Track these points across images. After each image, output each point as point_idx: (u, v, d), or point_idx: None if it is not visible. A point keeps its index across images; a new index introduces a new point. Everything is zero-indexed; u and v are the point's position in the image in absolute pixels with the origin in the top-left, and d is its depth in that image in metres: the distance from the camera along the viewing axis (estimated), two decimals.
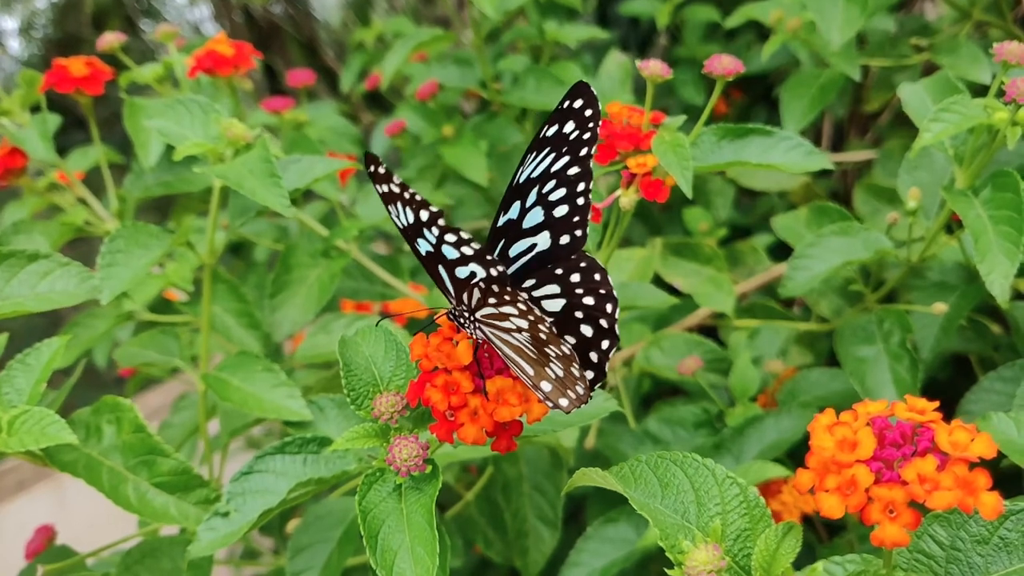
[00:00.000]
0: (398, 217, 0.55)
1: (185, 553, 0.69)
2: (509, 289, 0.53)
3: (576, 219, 0.59)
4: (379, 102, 2.18)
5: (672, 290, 1.21)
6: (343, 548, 0.77)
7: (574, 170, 0.59)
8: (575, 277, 0.59)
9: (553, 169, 0.59)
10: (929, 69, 1.31)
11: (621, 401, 1.12)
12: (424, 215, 0.53)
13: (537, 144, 0.59)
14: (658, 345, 1.11)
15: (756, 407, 1.00)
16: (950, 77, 0.86)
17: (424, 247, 0.55)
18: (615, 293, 0.57)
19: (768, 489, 0.95)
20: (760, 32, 1.68)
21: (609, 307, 0.57)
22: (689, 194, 0.76)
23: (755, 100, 1.82)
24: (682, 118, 0.85)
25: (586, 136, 0.59)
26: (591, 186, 0.59)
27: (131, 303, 0.95)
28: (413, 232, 0.55)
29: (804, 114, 1.17)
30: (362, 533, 0.55)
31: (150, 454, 0.73)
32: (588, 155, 0.59)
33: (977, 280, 0.93)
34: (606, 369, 0.57)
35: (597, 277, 0.58)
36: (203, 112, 0.82)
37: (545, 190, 0.59)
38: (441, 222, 0.53)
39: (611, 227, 0.88)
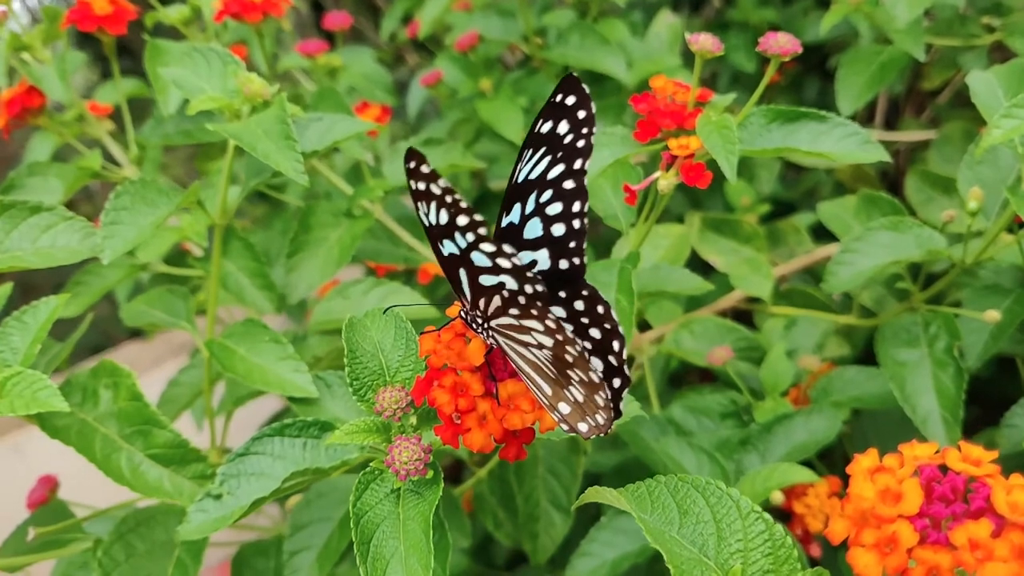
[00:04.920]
0: (427, 215, 0.49)
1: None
2: (539, 305, 0.49)
3: (572, 244, 0.53)
4: (425, 46, 2.12)
5: (707, 267, 1.16)
6: (344, 529, 0.74)
7: (569, 184, 0.53)
8: (579, 305, 0.53)
9: (549, 176, 0.53)
10: (996, 49, 1.24)
11: (646, 383, 1.07)
12: (462, 221, 0.47)
13: (532, 140, 0.53)
14: (688, 328, 1.06)
15: (786, 403, 0.95)
16: None
17: (449, 249, 0.50)
18: (621, 329, 0.51)
19: (793, 490, 0.90)
20: None
21: (616, 344, 0.52)
22: (733, 180, 0.70)
23: (808, 69, 1.74)
24: (731, 97, 0.79)
25: (580, 144, 0.52)
26: (587, 208, 0.53)
27: (139, 259, 0.92)
28: (440, 233, 0.49)
29: (861, 94, 1.10)
30: (353, 539, 0.51)
31: (146, 424, 0.70)
32: (582, 170, 0.53)
33: None
34: (621, 408, 0.52)
35: (600, 310, 0.52)
36: (221, 63, 0.77)
37: (543, 199, 0.53)
38: (482, 231, 0.47)
39: (648, 206, 0.83)
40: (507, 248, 0.48)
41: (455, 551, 0.99)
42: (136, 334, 2.31)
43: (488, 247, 0.48)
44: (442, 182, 0.47)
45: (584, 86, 0.52)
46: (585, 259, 0.53)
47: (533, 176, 0.53)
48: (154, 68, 0.88)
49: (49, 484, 0.93)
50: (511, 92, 1.36)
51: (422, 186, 0.48)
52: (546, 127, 0.53)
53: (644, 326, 1.13)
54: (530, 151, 0.53)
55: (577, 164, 0.53)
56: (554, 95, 0.52)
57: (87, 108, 1.06)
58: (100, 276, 0.97)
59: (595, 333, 0.52)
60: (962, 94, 1.45)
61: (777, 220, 1.36)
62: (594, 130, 0.53)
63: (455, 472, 1.48)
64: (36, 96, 0.98)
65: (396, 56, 2.34)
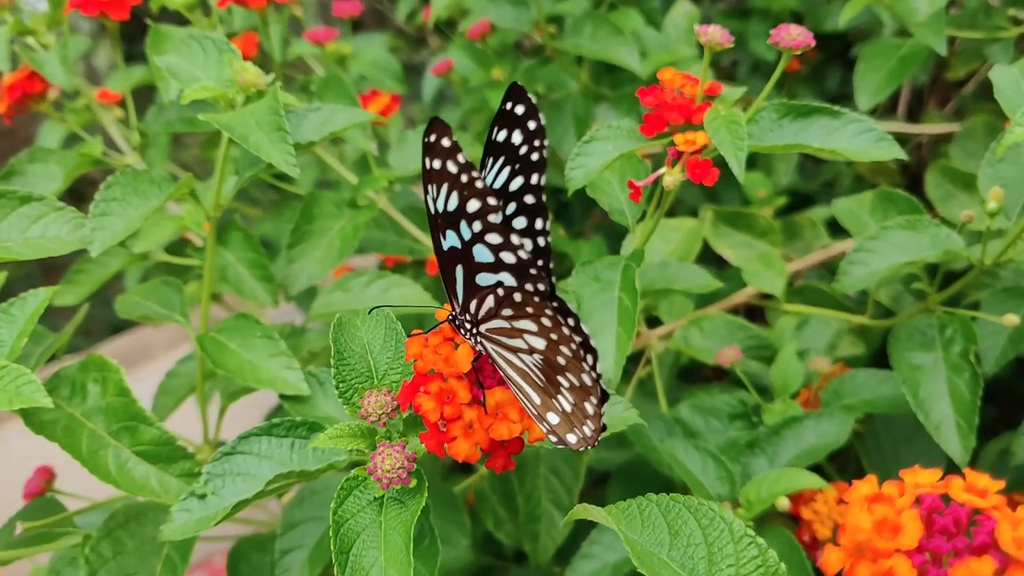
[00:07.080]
0: (435, 200, 0.47)
1: None
2: (536, 301, 0.47)
3: (539, 262, 0.51)
4: (445, 30, 2.09)
5: (721, 261, 1.14)
6: None
7: (530, 199, 0.51)
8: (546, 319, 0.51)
9: (511, 188, 0.51)
10: (1023, 41, 1.20)
11: (655, 380, 1.05)
12: (473, 206, 0.46)
13: (490, 148, 0.51)
14: (698, 325, 1.03)
15: (796, 405, 0.93)
16: None
17: (451, 241, 0.48)
18: (592, 343, 0.49)
19: (801, 495, 0.88)
20: None
21: (589, 359, 0.49)
22: (741, 178, 0.68)
23: (830, 57, 1.70)
24: (740, 91, 0.76)
25: (535, 158, 0.51)
26: (548, 225, 0.52)
27: (136, 249, 0.90)
28: (445, 222, 0.48)
29: (880, 88, 1.07)
30: (332, 548, 0.49)
31: (133, 420, 0.68)
32: (539, 185, 0.51)
33: None
34: (601, 424, 0.50)
35: (571, 321, 0.50)
36: (218, 51, 0.75)
37: (508, 212, 0.52)
38: (492, 218, 0.46)
39: (654, 201, 0.81)
40: (515, 239, 0.46)
41: (458, 547, 0.97)
42: None
43: (495, 238, 0.46)
44: (462, 157, 0.45)
45: (531, 96, 0.50)
46: (552, 281, 0.51)
47: (496, 186, 0.51)
48: (154, 54, 0.86)
49: (46, 474, 0.93)
50: (523, 81, 1.33)
51: (437, 164, 0.46)
52: (501, 135, 0.51)
53: (654, 322, 1.11)
54: (490, 160, 0.51)
55: (534, 179, 0.51)
56: (504, 102, 0.51)
57: (94, 95, 1.05)
58: (101, 264, 0.96)
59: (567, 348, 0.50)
60: (988, 86, 1.41)
61: (794, 213, 1.33)
62: (545, 143, 0.51)
63: (466, 463, 1.46)
64: (37, 82, 0.97)
65: (418, 39, 2.31)
